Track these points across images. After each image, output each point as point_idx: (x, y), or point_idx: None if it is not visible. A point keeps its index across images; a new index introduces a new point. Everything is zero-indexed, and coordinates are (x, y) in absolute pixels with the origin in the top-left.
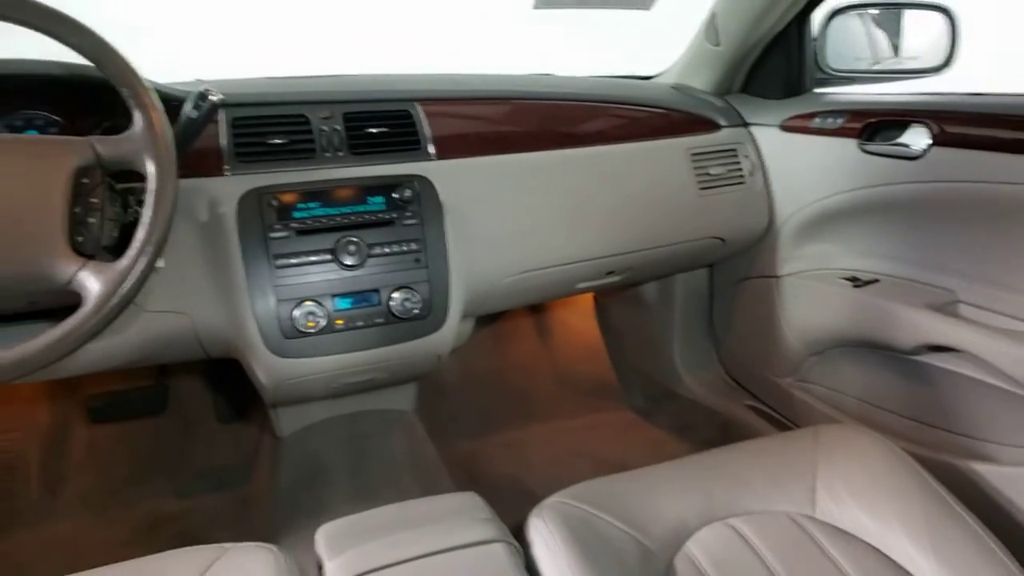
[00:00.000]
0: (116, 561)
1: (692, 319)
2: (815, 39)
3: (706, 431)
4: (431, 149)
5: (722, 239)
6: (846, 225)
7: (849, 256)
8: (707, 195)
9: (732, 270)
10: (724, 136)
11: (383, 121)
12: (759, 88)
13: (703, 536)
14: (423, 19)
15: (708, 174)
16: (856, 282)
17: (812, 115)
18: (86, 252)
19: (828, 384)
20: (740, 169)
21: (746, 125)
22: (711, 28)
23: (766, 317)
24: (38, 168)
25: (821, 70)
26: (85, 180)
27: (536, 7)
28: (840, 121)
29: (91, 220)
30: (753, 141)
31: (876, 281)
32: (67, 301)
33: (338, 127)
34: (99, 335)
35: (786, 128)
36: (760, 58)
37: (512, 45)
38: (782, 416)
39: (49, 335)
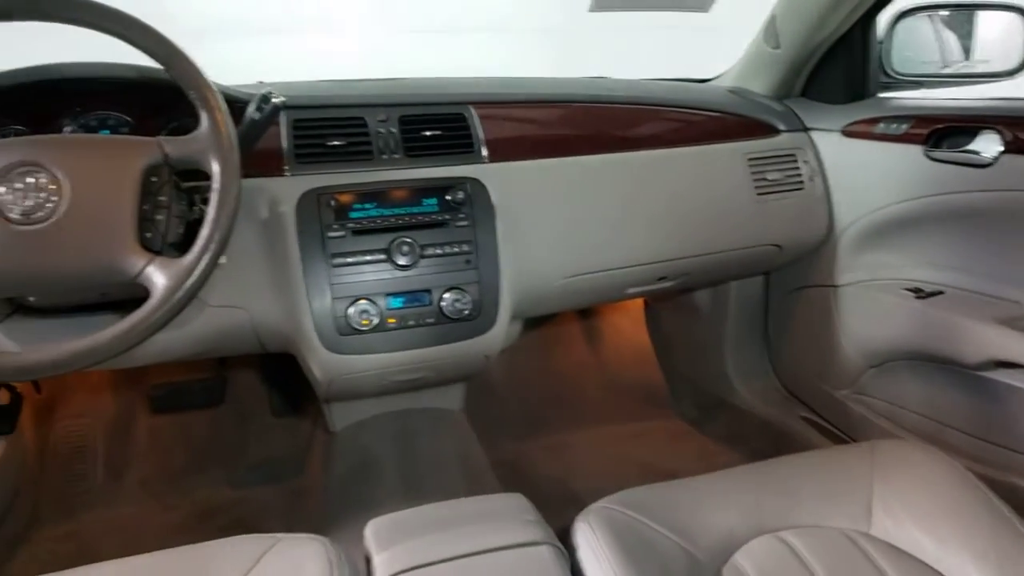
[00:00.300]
0: (173, 546)
1: (746, 327)
2: (880, 42)
3: (758, 442)
4: (484, 152)
5: (779, 246)
6: (909, 234)
7: (912, 266)
8: (764, 201)
9: (789, 278)
10: (783, 141)
11: (438, 124)
12: (820, 92)
13: (753, 548)
14: (478, 20)
15: (766, 179)
16: (919, 293)
17: (876, 120)
18: (153, 248)
19: (887, 398)
20: (799, 175)
21: (806, 130)
22: (771, 30)
23: (824, 327)
24: (111, 167)
25: (886, 74)
26: (154, 179)
27: (592, 9)
28: (905, 127)
29: (159, 217)
30: (813, 146)
31: (941, 293)
32: (135, 294)
33: (394, 129)
34: (164, 327)
35: (848, 133)
36: (822, 61)
37: (567, 47)
38: (838, 429)
39: (118, 326)
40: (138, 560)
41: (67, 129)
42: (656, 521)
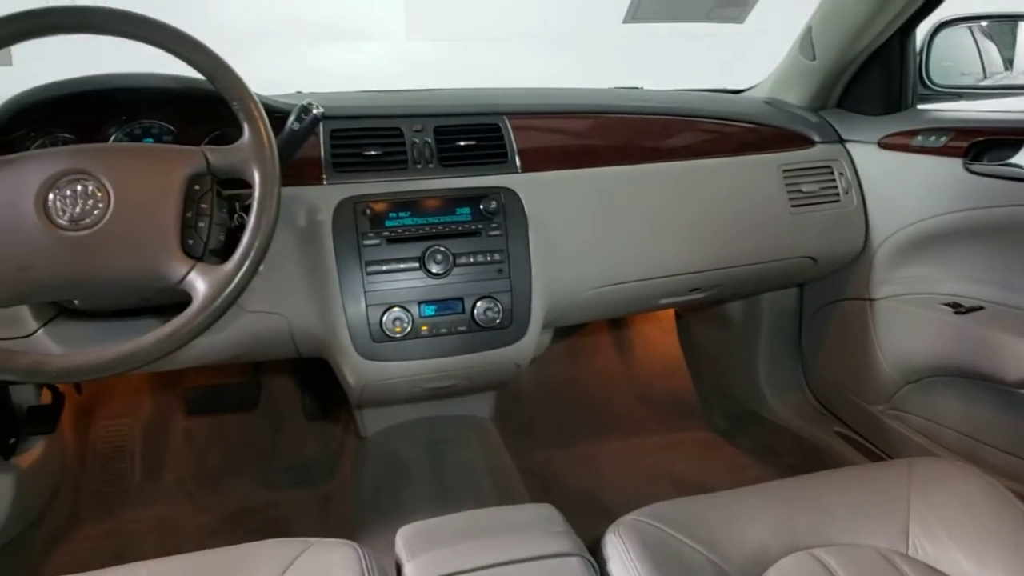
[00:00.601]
0: (208, 546)
1: (779, 340)
2: (919, 52)
3: (791, 456)
4: (518, 162)
5: (814, 259)
6: (947, 248)
7: (950, 281)
8: (799, 213)
9: (823, 291)
10: (818, 152)
11: (472, 134)
12: (856, 103)
13: (785, 565)
14: (512, 30)
15: (800, 191)
16: (958, 308)
17: (913, 132)
18: (195, 255)
19: (924, 414)
20: (835, 187)
21: (842, 142)
22: (807, 41)
23: (859, 341)
24: (155, 174)
25: (924, 85)
26: (196, 187)
27: (625, 22)
28: (944, 139)
29: (200, 224)
30: (849, 158)
31: (980, 308)
32: (175, 299)
33: (429, 139)
34: (204, 332)
35: (885, 145)
36: (858, 72)
37: (601, 58)
38: (873, 445)
39: (160, 331)
40: (174, 561)
41: (113, 137)
42: (687, 535)
